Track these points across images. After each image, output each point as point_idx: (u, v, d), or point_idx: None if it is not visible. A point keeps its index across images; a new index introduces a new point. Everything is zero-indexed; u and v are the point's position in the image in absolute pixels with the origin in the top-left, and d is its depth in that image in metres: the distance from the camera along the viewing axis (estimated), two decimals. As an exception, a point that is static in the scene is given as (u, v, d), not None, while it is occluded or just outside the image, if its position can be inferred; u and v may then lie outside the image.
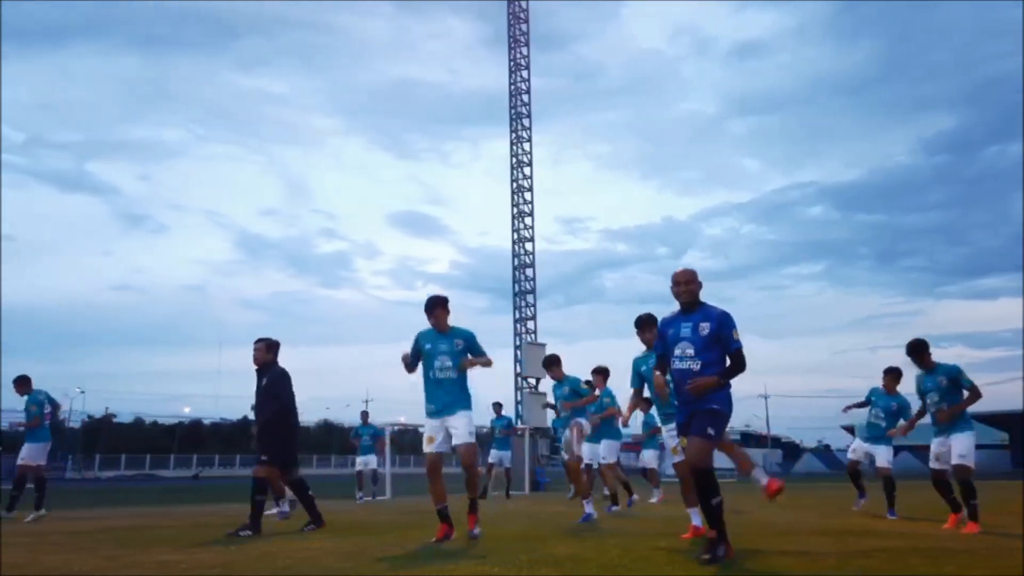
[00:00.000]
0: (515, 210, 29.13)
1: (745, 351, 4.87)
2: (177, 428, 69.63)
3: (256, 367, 7.47)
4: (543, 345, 25.90)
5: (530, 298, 27.83)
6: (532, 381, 24.84)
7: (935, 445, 7.25)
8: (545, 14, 73.61)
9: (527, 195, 29.03)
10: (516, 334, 27.56)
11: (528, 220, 28.77)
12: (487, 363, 6.38)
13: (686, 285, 4.99)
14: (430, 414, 6.16)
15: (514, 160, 29.63)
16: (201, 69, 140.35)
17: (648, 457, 14.20)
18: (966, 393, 7.05)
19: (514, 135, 29.86)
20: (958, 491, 7.08)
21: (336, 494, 15.74)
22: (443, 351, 6.19)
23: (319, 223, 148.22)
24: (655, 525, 7.69)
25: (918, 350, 7.25)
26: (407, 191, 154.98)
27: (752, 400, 69.03)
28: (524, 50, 30.41)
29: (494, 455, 15.36)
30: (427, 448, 6.11)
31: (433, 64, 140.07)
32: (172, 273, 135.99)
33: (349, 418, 76.02)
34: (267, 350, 7.46)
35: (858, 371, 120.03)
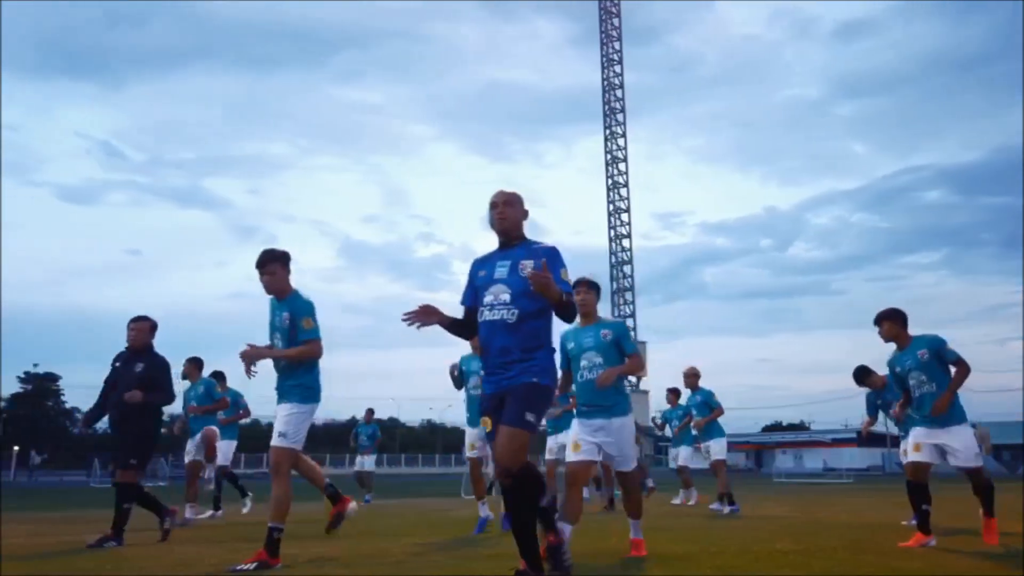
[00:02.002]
0: (611, 207, 28.90)
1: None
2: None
3: (131, 348, 6.36)
4: (643, 343, 25.59)
5: (628, 295, 27.58)
6: (633, 380, 24.57)
7: (920, 435, 5.62)
8: (636, 8, 73.13)
9: (623, 191, 28.78)
10: (615, 332, 27.30)
11: (624, 216, 28.54)
12: None
13: (504, 208, 3.82)
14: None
15: (608, 156, 29.40)
16: (302, 85, 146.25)
17: (684, 455, 13.28)
18: (953, 371, 5.58)
19: (608, 131, 29.63)
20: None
21: (442, 492, 15.99)
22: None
23: (417, 228, 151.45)
24: (770, 526, 7.42)
25: (897, 316, 5.82)
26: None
27: (869, 397, 65.80)
28: (616, 45, 30.12)
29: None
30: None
31: (523, 65, 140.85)
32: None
33: (452, 418, 77.32)
34: (151, 331, 6.45)
35: (986, 365, 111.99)
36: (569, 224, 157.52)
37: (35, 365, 63.08)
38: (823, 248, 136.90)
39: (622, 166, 29.18)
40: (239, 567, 4.38)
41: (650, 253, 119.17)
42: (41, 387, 64.09)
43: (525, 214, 3.95)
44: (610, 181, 29.15)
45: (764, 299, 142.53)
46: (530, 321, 3.66)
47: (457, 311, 3.92)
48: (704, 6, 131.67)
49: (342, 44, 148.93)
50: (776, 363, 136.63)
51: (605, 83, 30.28)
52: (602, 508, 10.22)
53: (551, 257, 3.70)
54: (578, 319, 4.83)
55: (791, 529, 6.96)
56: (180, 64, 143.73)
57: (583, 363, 4.99)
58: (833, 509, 10.52)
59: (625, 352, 5.01)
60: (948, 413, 5.49)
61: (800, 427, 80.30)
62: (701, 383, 10.19)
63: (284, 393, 4.85)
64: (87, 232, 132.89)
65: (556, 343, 3.92)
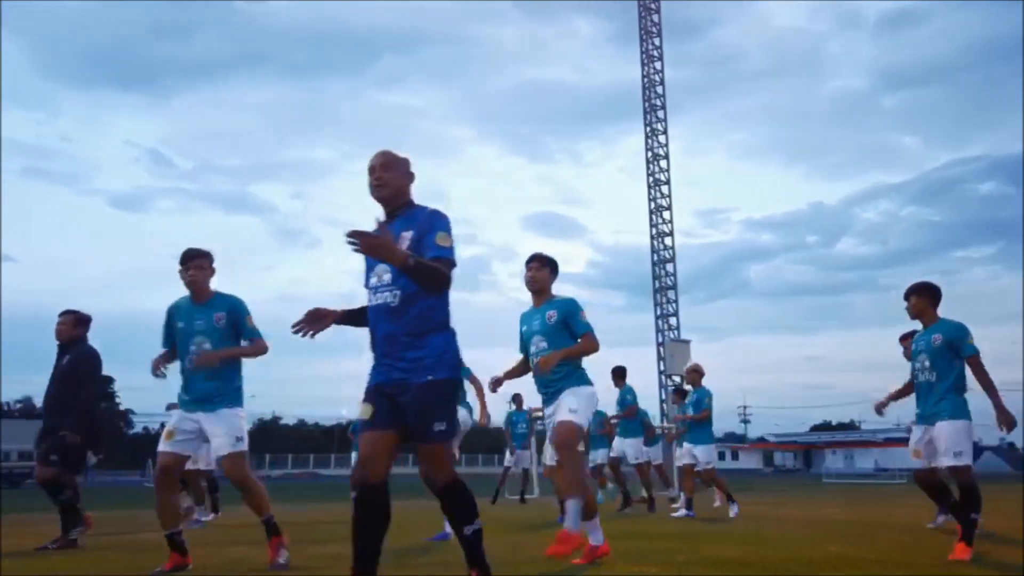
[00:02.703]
0: (652, 204, 28.62)
1: None
2: (335, 429, 73.72)
3: (59, 343, 6.14)
4: (687, 342, 25.34)
5: (671, 294, 27.28)
6: (676, 379, 24.31)
7: (917, 439, 5.27)
8: (676, 3, 72.19)
9: (664, 188, 28.49)
10: (658, 331, 27.03)
11: (666, 214, 28.23)
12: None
13: (382, 173, 3.25)
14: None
15: (649, 154, 29.14)
16: (345, 90, 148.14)
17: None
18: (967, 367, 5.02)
19: (648, 128, 29.36)
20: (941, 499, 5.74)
21: (480, 493, 16.04)
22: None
23: (458, 229, 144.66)
24: (821, 528, 7.29)
25: (927, 292, 5.20)
26: (541, 193, 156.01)
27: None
28: (656, 41, 29.82)
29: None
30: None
31: (562, 65, 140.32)
32: (326, 283, 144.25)
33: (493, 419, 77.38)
34: (75, 324, 6.17)
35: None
36: (610, 223, 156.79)
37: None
38: (872, 243, 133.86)
39: (663, 163, 28.90)
40: (278, 562, 4.50)
41: (693, 251, 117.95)
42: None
43: (410, 178, 3.34)
44: (651, 179, 28.89)
45: (810, 296, 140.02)
46: (418, 302, 3.09)
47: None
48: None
49: (383, 49, 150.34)
50: (824, 361, 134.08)
51: (645, 80, 30.00)
52: (618, 507, 10.18)
53: (428, 222, 3.17)
54: (532, 299, 4.86)
55: (843, 531, 6.82)
56: (226, 73, 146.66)
57: (532, 348, 4.72)
58: (886, 511, 10.29)
59: (575, 333, 4.66)
60: (939, 406, 4.98)
61: (850, 426, 78.70)
62: (705, 382, 9.46)
63: (221, 397, 4.64)
64: (138, 238, 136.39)
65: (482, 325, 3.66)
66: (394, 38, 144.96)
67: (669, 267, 27.61)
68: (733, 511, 8.83)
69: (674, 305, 27.04)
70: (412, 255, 2.92)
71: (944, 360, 5.02)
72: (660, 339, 26.43)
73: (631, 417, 10.46)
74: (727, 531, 6.95)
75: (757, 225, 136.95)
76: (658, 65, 29.80)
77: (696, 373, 9.49)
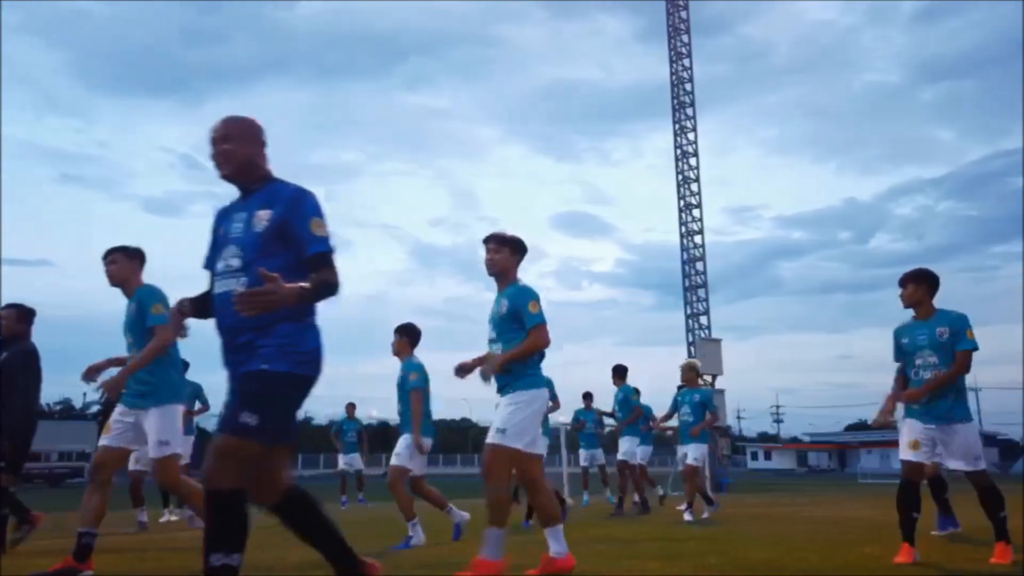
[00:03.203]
0: (681, 203, 28.38)
1: None
2: (367, 429, 74.27)
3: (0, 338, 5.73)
4: (718, 341, 25.09)
5: (701, 292, 27.01)
6: (708, 378, 24.09)
7: (918, 430, 4.74)
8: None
9: (694, 186, 28.22)
10: (689, 330, 26.81)
11: (696, 212, 27.94)
12: None
13: (224, 146, 2.87)
14: None
15: (678, 151, 28.89)
16: (372, 93, 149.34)
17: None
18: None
19: (677, 126, 29.12)
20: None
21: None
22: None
23: (486, 229, 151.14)
24: (857, 528, 7.15)
25: (926, 280, 4.83)
26: (569, 192, 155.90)
27: (959, 393, 62.70)
28: (685, 38, 29.55)
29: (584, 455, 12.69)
30: None
31: (588, 63, 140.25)
32: (357, 285, 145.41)
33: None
34: (18, 319, 5.79)
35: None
36: (639, 221, 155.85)
37: (128, 370, 66.12)
38: (908, 239, 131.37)
39: (692, 161, 28.64)
40: None
41: (723, 249, 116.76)
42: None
43: (260, 147, 2.94)
44: (680, 177, 28.65)
45: (844, 293, 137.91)
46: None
47: None
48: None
49: (409, 51, 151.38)
50: (859, 360, 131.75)
51: (674, 77, 29.75)
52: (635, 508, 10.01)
53: (294, 204, 2.72)
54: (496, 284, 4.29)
55: (879, 532, 6.68)
56: (255, 77, 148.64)
57: (489, 340, 4.28)
58: (923, 512, 10.06)
59: (525, 326, 4.09)
60: (951, 408, 4.69)
61: (886, 426, 77.22)
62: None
63: (152, 393, 4.42)
64: (172, 242, 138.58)
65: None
66: (420, 40, 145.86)
67: (699, 265, 27.35)
68: (688, 515, 8.49)
69: (704, 304, 26.78)
70: (303, 286, 2.54)
71: (951, 356, 4.68)
72: (690, 338, 26.19)
73: (638, 419, 10.25)
74: (759, 532, 6.85)
75: (789, 222, 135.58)
76: (687, 62, 29.54)
77: (692, 371, 9.04)
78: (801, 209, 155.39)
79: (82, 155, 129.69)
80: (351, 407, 14.09)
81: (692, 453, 8.67)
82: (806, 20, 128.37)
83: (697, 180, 28.39)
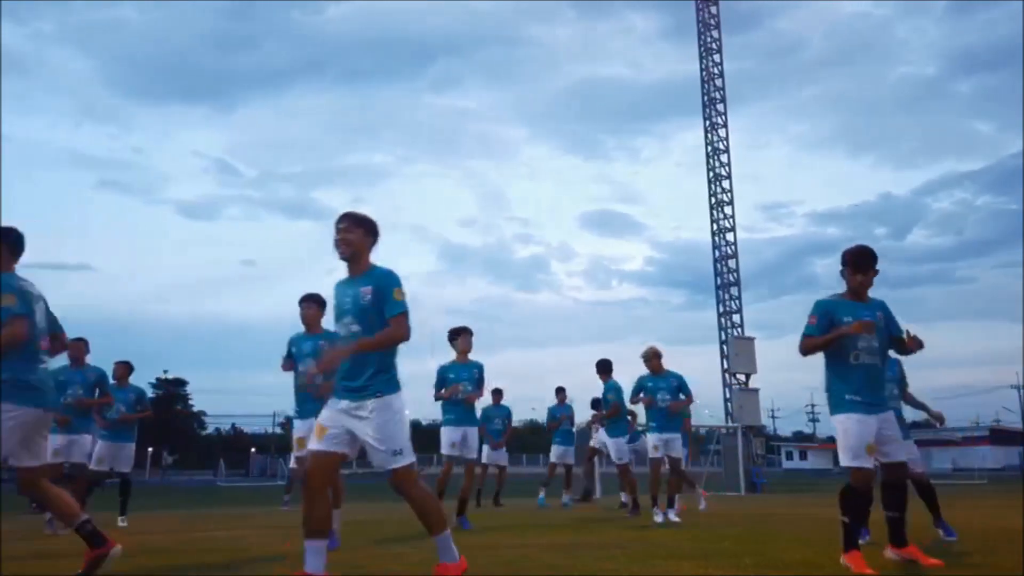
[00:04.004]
0: (712, 200, 28.10)
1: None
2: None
3: None
4: (751, 339, 24.78)
5: (734, 290, 26.72)
6: (742, 377, 23.82)
7: (867, 427, 4.32)
8: (734, -6, 70.27)
9: (725, 183, 27.92)
10: (721, 328, 26.54)
11: (727, 209, 27.64)
12: None
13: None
14: None
15: (709, 148, 28.61)
16: (401, 95, 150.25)
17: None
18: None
19: (708, 122, 28.84)
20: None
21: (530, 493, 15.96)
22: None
23: (514, 229, 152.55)
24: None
25: (861, 258, 4.50)
26: (598, 191, 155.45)
27: (1003, 391, 61.40)
28: (715, 33, 29.25)
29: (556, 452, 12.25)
30: None
31: (617, 61, 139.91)
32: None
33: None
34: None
35: None
36: (668, 219, 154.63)
37: (165, 371, 67.33)
38: (946, 234, 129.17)
39: (724, 157, 28.33)
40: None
41: (755, 246, 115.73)
42: (171, 392, 68.39)
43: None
44: (711, 174, 28.37)
45: (881, 290, 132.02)
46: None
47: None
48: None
49: (437, 53, 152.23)
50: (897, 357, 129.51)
51: (704, 73, 29.48)
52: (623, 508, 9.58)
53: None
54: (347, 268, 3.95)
55: (918, 533, 6.54)
56: (286, 83, 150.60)
57: (343, 331, 3.86)
58: (964, 512, 9.85)
59: (385, 314, 3.73)
60: (890, 399, 4.90)
61: (925, 424, 75.72)
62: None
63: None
64: (207, 245, 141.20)
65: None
66: (448, 41, 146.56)
67: (731, 263, 27.06)
68: (631, 513, 8.21)
69: (737, 302, 26.48)
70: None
71: (887, 343, 4.54)
72: (723, 337, 25.92)
73: (614, 416, 9.66)
74: (795, 533, 6.76)
75: (822, 218, 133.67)
76: (717, 58, 29.25)
77: (657, 358, 8.33)
78: (835, 205, 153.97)
79: (119, 161, 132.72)
80: None
81: (659, 444, 8.09)
82: (838, 13, 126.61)
83: (729, 177, 28.10)
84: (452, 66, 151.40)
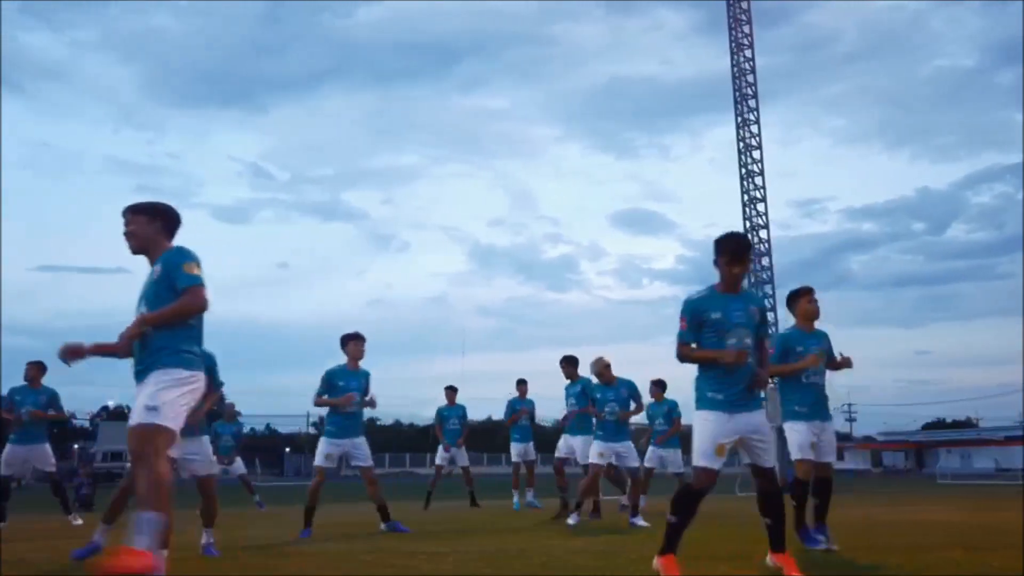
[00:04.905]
0: (745, 197, 27.83)
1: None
2: (430, 429, 75.20)
3: None
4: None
5: (768, 288, 26.43)
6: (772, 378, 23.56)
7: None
8: (764, -12, 69.77)
9: (758, 180, 27.64)
10: (755, 327, 26.30)
11: (760, 207, 27.36)
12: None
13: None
14: None
15: (741, 145, 28.33)
16: (429, 96, 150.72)
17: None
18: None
19: (740, 119, 28.56)
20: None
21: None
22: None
23: (544, 229, 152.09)
24: (938, 531, 6.87)
25: (739, 248, 4.27)
26: (628, 190, 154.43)
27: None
28: (746, 28, 28.98)
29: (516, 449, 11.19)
30: None
31: (646, 58, 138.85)
32: (416, 286, 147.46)
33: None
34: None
35: None
36: (700, 217, 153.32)
37: (203, 372, 68.63)
38: (987, 229, 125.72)
39: (756, 154, 28.03)
40: None
41: (789, 243, 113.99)
42: (315, 395, 69.22)
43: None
44: (743, 170, 28.07)
45: (918, 287, 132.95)
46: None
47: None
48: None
49: (465, 53, 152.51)
50: (936, 355, 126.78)
51: (735, 69, 29.16)
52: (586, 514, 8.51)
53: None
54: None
55: (962, 535, 6.40)
56: (316, 85, 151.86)
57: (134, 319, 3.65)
58: (1009, 514, 9.61)
59: (178, 288, 3.56)
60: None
61: (966, 424, 74.31)
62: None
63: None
64: (241, 249, 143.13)
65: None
66: (475, 42, 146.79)
67: (765, 261, 26.76)
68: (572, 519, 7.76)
69: (771, 300, 26.17)
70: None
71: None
72: (757, 335, 25.65)
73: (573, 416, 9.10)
74: (835, 533, 6.63)
75: (858, 214, 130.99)
76: (748, 53, 28.96)
77: (608, 369, 8.16)
78: (871, 200, 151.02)
79: (155, 166, 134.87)
80: (230, 407, 13.52)
81: (605, 451, 7.88)
82: (871, 6, 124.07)
83: (761, 174, 27.80)
84: (479, 66, 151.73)
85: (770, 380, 5.07)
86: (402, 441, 69.01)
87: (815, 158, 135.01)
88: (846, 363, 5.63)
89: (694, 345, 4.16)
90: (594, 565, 4.70)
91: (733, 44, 29.29)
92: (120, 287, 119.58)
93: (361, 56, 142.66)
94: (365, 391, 7.17)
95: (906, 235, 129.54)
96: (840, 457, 72.09)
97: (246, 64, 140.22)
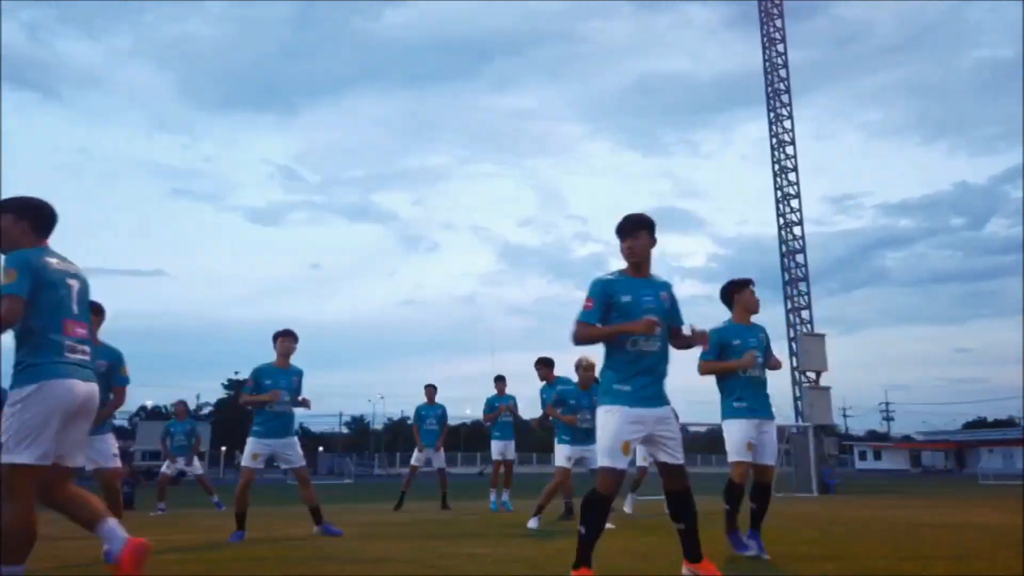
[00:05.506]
0: (779, 193, 27.40)
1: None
2: (461, 428, 75.34)
3: None
4: (821, 336, 24.08)
5: (802, 286, 26.01)
6: (812, 375, 23.18)
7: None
8: (796, -19, 68.43)
9: (791, 176, 27.18)
10: (790, 325, 25.88)
11: (794, 203, 26.90)
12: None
13: None
14: None
15: (774, 140, 27.91)
16: (458, 96, 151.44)
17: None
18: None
19: (772, 114, 28.14)
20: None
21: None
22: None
23: (574, 228, 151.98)
24: (984, 534, 6.71)
25: (624, 223, 4.15)
26: (658, 187, 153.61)
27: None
28: (778, 23, 28.51)
29: (497, 448, 10.90)
30: None
31: (676, 55, 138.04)
32: (447, 286, 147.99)
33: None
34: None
35: None
36: (731, 214, 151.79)
37: (236, 373, 69.12)
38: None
39: (789, 149, 27.60)
40: None
41: (823, 239, 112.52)
42: (241, 393, 70.40)
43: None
44: (776, 166, 27.67)
45: (957, 283, 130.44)
46: None
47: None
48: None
49: (494, 53, 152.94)
50: (975, 353, 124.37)
51: (767, 64, 28.76)
52: (557, 516, 8.45)
53: None
54: None
55: (1010, 537, 6.25)
56: (346, 88, 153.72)
57: None
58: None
59: None
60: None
61: (1008, 423, 72.60)
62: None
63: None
64: (274, 250, 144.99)
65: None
66: (505, 41, 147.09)
67: (799, 258, 26.33)
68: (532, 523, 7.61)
69: (806, 298, 25.76)
70: None
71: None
72: (791, 334, 25.27)
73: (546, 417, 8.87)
74: (876, 538, 6.52)
75: (894, 209, 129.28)
76: (780, 48, 28.53)
77: (589, 370, 7.98)
78: (907, 195, 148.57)
79: (190, 170, 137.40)
80: (182, 406, 13.53)
81: (572, 456, 7.82)
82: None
83: (795, 169, 27.39)
84: (509, 66, 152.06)
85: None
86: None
87: (849, 153, 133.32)
88: (776, 365, 5.42)
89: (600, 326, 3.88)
90: (634, 566, 4.68)
91: (765, 39, 28.89)
92: (159, 289, 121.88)
93: (390, 57, 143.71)
94: (297, 390, 6.99)
95: (944, 230, 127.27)
96: (878, 457, 70.86)
97: (277, 68, 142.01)
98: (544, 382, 8.89)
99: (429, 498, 12.25)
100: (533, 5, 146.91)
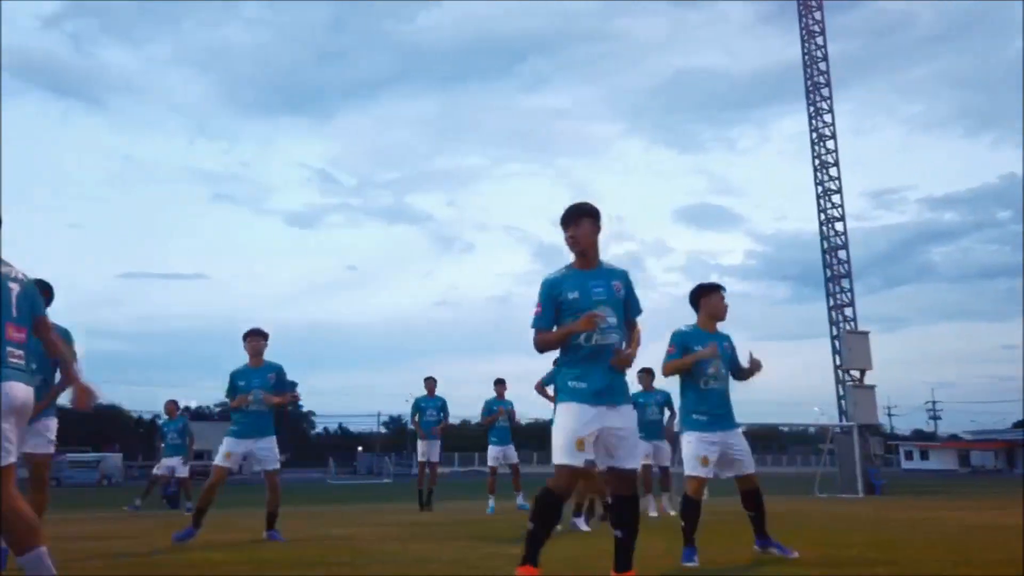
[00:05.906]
0: (819, 189, 26.88)
1: None
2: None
3: None
4: (865, 333, 23.58)
5: (845, 283, 25.46)
6: (856, 374, 22.71)
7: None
8: (835, -27, 66.83)
9: (832, 171, 26.66)
10: (832, 323, 25.37)
11: (835, 198, 26.37)
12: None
13: None
14: None
15: (814, 135, 27.40)
16: (491, 96, 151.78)
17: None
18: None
19: (812, 108, 27.63)
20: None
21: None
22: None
23: (608, 227, 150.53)
24: (1001, 536, 6.49)
25: (566, 213, 3.95)
26: (693, 184, 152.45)
27: None
28: (817, 15, 28.00)
29: (494, 452, 10.85)
30: None
31: (711, 50, 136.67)
32: (481, 286, 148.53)
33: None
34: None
35: None
36: (769, 210, 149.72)
37: (274, 374, 70.77)
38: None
39: (830, 144, 27.06)
40: None
41: (864, 235, 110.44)
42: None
43: None
44: (817, 161, 27.17)
45: (1006, 278, 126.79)
46: None
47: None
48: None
49: (527, 52, 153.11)
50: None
51: (806, 57, 28.26)
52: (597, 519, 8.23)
53: None
54: None
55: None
56: (380, 91, 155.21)
57: None
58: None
59: None
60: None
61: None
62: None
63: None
64: (312, 252, 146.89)
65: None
66: (538, 40, 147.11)
67: (841, 254, 25.80)
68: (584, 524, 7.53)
69: (849, 295, 25.23)
70: None
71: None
72: (834, 331, 24.79)
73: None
74: (928, 539, 6.35)
75: (938, 203, 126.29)
76: (820, 40, 28.02)
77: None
78: (952, 188, 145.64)
79: (229, 175, 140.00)
80: (173, 405, 13.06)
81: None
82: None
83: (836, 164, 26.86)
84: (541, 65, 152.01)
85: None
86: (471, 440, 69.52)
87: (891, 146, 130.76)
88: (756, 366, 5.15)
89: (555, 329, 3.78)
90: (678, 566, 4.61)
91: (804, 32, 28.41)
92: (199, 292, 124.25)
93: (423, 59, 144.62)
94: (276, 386, 6.89)
95: (991, 224, 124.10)
96: (924, 456, 69.38)
97: (313, 72, 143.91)
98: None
99: (473, 498, 12.24)
100: (566, 4, 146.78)
